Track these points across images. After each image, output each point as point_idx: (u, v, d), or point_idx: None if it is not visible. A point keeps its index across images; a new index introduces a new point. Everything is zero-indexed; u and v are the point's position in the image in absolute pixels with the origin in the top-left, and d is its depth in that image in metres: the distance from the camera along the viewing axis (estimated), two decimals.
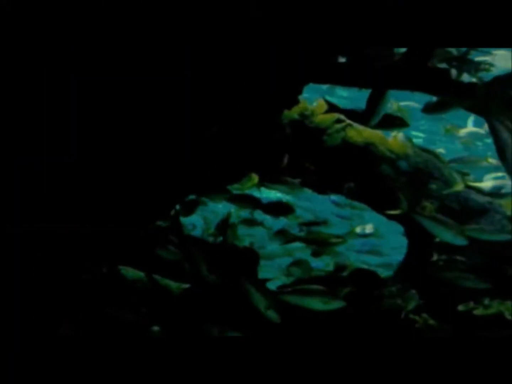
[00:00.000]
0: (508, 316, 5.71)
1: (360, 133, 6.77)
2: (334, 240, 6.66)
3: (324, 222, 7.21)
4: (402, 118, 5.43)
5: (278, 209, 6.38)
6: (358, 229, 7.02)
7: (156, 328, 5.02)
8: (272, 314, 5.02)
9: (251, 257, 6.11)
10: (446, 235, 5.77)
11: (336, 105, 5.46)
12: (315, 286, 5.45)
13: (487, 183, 7.10)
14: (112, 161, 4.23)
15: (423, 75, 4.93)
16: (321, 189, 6.76)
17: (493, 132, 4.86)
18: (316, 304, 5.32)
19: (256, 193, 6.54)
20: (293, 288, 5.46)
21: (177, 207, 5.85)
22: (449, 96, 5.28)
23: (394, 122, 5.44)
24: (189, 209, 6.14)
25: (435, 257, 6.31)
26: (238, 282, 5.16)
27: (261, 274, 6.14)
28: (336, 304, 5.34)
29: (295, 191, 6.18)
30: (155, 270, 5.86)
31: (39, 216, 4.00)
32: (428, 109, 6.08)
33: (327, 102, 5.51)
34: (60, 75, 3.59)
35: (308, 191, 6.74)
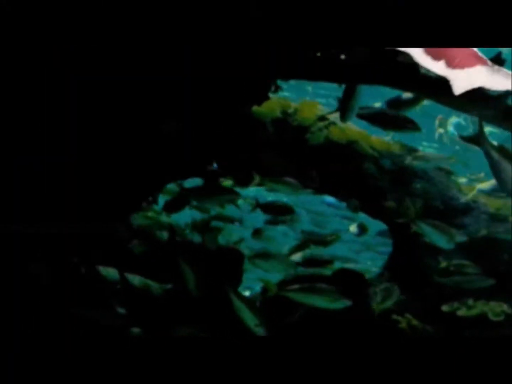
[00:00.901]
0: (491, 317, 5.87)
1: (343, 131, 6.93)
2: (329, 238, 6.86)
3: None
4: (414, 122, 5.54)
5: (278, 210, 6.49)
6: (352, 228, 7.17)
7: (136, 329, 5.10)
8: (259, 330, 5.15)
9: (235, 257, 6.23)
10: (440, 240, 5.94)
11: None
12: (323, 285, 5.59)
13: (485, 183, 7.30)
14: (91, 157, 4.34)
15: (392, 70, 5.07)
16: (320, 191, 6.90)
17: (486, 153, 5.11)
18: (322, 302, 5.47)
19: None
20: (300, 286, 5.58)
21: None
22: (419, 91, 5.42)
23: (406, 125, 5.55)
24: (176, 206, 6.25)
25: (443, 264, 6.47)
26: (225, 296, 5.29)
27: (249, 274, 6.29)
28: (342, 303, 5.48)
29: (297, 192, 6.31)
30: (134, 269, 5.93)
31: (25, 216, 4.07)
32: (392, 105, 6.42)
33: (338, 100, 5.57)
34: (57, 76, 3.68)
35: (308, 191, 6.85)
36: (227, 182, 6.88)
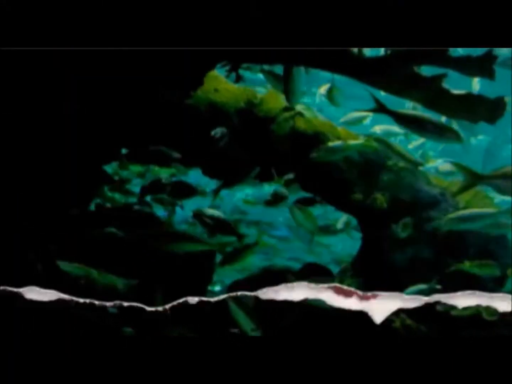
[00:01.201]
0: (485, 317, 5.91)
1: (309, 121, 6.91)
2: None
3: None
4: (456, 131, 5.44)
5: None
6: (339, 225, 7.17)
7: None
8: (255, 334, 5.13)
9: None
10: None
11: (384, 105, 5.40)
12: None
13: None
14: None
15: (325, 54, 5.06)
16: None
17: None
18: None
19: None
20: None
21: None
22: (354, 75, 5.42)
23: (446, 134, 5.44)
24: None
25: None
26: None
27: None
28: None
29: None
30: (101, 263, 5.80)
31: None
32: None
33: (375, 99, 5.45)
34: None
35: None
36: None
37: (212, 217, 6.08)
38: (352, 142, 6.55)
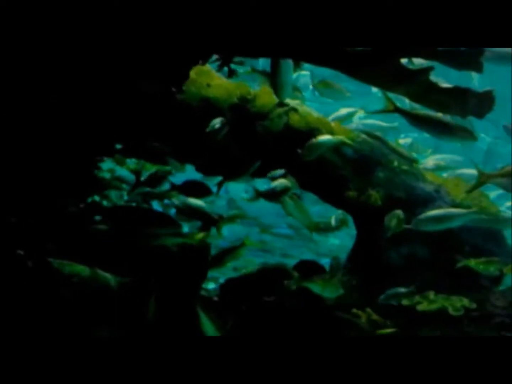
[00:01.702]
0: (451, 312, 5.90)
1: (304, 118, 6.87)
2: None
3: None
4: (469, 130, 5.36)
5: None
6: (333, 222, 7.13)
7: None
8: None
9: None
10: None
11: (398, 106, 5.33)
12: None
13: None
14: None
15: (314, 48, 5.00)
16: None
17: None
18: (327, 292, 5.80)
19: None
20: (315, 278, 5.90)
21: None
22: (343, 69, 5.36)
23: (459, 133, 5.36)
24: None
25: None
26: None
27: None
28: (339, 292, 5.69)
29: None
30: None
31: None
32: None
33: (388, 99, 5.38)
34: None
35: None
36: None
37: (190, 207, 6.08)
38: (330, 137, 6.51)
